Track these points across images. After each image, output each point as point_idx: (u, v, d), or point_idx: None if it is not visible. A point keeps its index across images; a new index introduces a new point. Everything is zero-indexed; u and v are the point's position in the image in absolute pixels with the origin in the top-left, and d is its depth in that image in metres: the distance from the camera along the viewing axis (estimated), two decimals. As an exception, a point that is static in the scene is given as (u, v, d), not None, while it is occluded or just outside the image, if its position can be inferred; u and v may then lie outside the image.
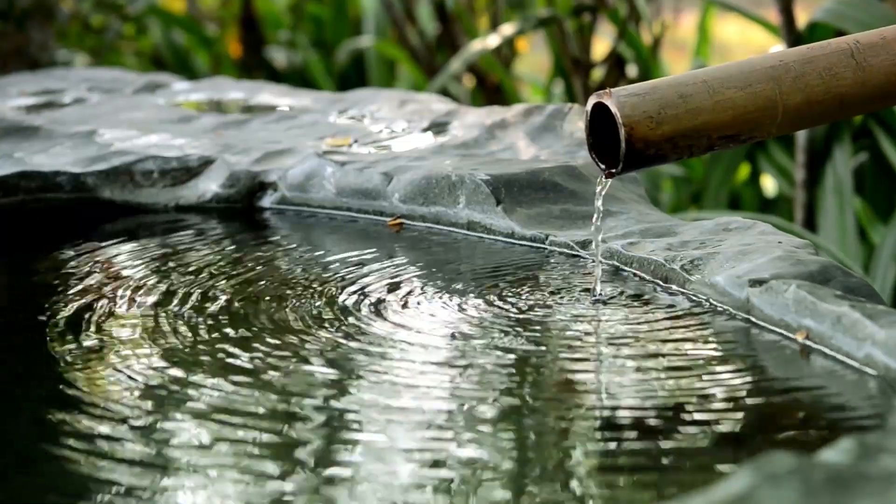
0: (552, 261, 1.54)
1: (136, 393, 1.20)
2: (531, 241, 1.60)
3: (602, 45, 3.91)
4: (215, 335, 1.33)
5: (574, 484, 1.03)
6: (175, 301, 1.44)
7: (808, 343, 1.25)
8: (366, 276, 1.51)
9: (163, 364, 1.26)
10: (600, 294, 1.41)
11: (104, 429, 1.12)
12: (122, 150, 1.92)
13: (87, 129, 2.03)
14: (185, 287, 1.49)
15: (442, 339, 1.33)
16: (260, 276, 1.53)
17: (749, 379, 1.22)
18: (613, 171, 1.36)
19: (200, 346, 1.30)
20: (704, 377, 1.22)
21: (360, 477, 1.03)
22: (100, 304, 1.44)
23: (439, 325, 1.36)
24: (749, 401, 1.17)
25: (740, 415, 1.14)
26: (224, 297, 1.45)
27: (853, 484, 0.78)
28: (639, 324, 1.34)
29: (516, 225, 1.62)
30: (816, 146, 2.77)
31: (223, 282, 1.51)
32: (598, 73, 3.43)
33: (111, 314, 1.41)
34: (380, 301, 1.42)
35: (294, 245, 1.71)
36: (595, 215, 1.45)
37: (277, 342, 1.31)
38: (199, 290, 1.47)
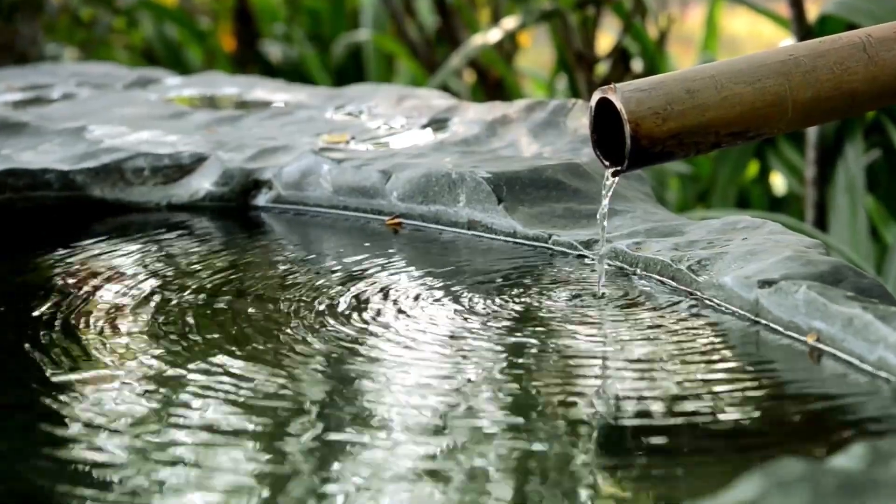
0: (555, 261, 1.53)
1: (128, 395, 1.18)
2: (534, 241, 1.59)
3: (606, 39, 3.92)
4: (207, 337, 1.32)
5: (578, 488, 1.02)
6: (166, 302, 1.42)
7: (819, 346, 1.23)
8: (363, 276, 1.49)
9: (153, 366, 1.24)
10: (604, 295, 1.40)
11: (94, 437, 1.10)
12: (112, 147, 1.91)
13: (77, 125, 2.02)
14: (176, 287, 1.47)
15: (440, 339, 1.31)
16: (254, 276, 1.52)
17: (758, 383, 1.21)
18: (618, 168, 1.36)
19: (193, 347, 1.29)
20: (711, 380, 1.20)
21: (356, 483, 1.02)
22: (87, 304, 1.42)
23: (438, 326, 1.34)
24: (758, 405, 1.16)
25: (749, 420, 1.13)
26: (216, 298, 1.43)
27: (865, 491, 0.77)
28: (644, 325, 1.33)
29: (518, 224, 1.61)
30: (827, 143, 2.76)
31: (216, 282, 1.49)
32: (602, 68, 3.44)
33: (98, 315, 1.38)
34: (377, 302, 1.40)
35: (289, 245, 1.71)
36: (600, 215, 1.43)
37: (271, 343, 1.29)
38: (191, 291, 1.45)
